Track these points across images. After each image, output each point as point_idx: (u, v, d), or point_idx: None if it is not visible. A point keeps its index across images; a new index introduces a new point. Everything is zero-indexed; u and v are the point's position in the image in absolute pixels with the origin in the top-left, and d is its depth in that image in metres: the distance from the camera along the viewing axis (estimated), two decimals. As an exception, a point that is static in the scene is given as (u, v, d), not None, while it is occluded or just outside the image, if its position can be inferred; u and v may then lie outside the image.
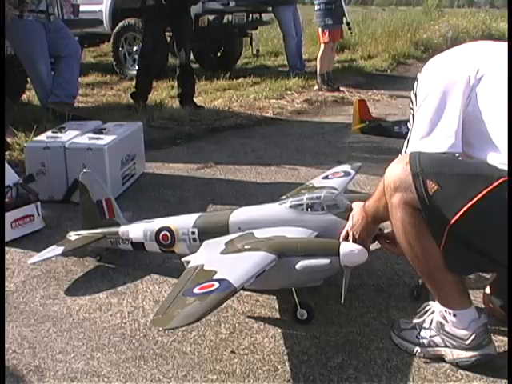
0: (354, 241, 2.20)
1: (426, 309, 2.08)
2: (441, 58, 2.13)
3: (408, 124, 2.12)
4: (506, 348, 2.07)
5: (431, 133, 1.96)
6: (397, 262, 2.71)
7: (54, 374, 1.98)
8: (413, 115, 2.06)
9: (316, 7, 7.70)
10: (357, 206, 2.25)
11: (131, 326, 2.29)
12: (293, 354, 2.07)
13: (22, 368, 2.02)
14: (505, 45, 2.14)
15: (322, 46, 7.82)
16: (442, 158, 1.89)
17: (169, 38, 6.82)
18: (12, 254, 2.96)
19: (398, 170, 1.88)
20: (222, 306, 2.02)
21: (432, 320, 2.02)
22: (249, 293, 2.45)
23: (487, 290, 2.27)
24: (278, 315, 2.35)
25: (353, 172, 3.02)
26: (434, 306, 2.04)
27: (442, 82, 1.99)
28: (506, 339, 2.11)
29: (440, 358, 2.00)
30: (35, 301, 2.49)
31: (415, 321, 2.09)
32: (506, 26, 17.73)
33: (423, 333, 2.04)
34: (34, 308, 2.44)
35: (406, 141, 2.07)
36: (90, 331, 2.26)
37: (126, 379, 1.95)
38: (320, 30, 7.73)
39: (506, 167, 1.79)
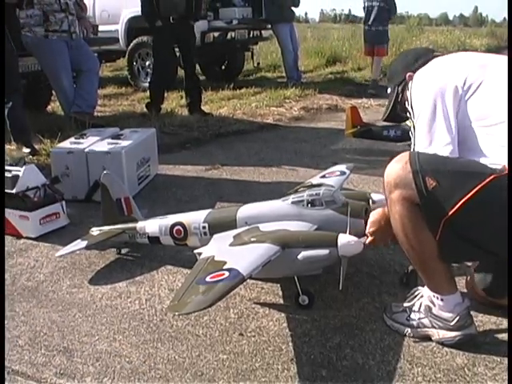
0: (377, 241, 2.23)
1: (416, 293, 2.08)
2: (429, 71, 2.11)
3: (410, 133, 2.11)
4: (486, 327, 2.08)
5: (431, 143, 1.94)
6: (388, 252, 2.70)
7: (80, 354, 1.98)
8: (413, 126, 2.05)
9: (373, 28, 8.56)
10: (375, 213, 2.25)
11: (149, 312, 2.29)
12: (295, 336, 2.07)
13: (53, 349, 2.02)
14: (485, 55, 2.14)
15: (377, 59, 8.78)
16: (438, 157, 1.88)
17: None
18: (41, 248, 2.96)
19: (397, 168, 1.88)
20: (231, 293, 2.02)
21: (421, 304, 2.02)
22: (255, 281, 2.45)
23: (470, 276, 2.26)
24: (281, 301, 2.34)
25: (347, 171, 3.01)
26: (423, 291, 2.04)
27: (432, 96, 1.97)
28: (485, 319, 2.12)
29: (427, 338, 2.00)
30: (62, 289, 2.49)
31: (405, 304, 2.08)
32: (478, 42, 17.83)
33: (413, 315, 2.03)
34: (61, 296, 2.44)
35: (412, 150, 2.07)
36: (111, 316, 2.26)
37: (145, 359, 1.95)
38: (377, 46, 8.64)
39: (495, 166, 1.79)
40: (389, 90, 2.33)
